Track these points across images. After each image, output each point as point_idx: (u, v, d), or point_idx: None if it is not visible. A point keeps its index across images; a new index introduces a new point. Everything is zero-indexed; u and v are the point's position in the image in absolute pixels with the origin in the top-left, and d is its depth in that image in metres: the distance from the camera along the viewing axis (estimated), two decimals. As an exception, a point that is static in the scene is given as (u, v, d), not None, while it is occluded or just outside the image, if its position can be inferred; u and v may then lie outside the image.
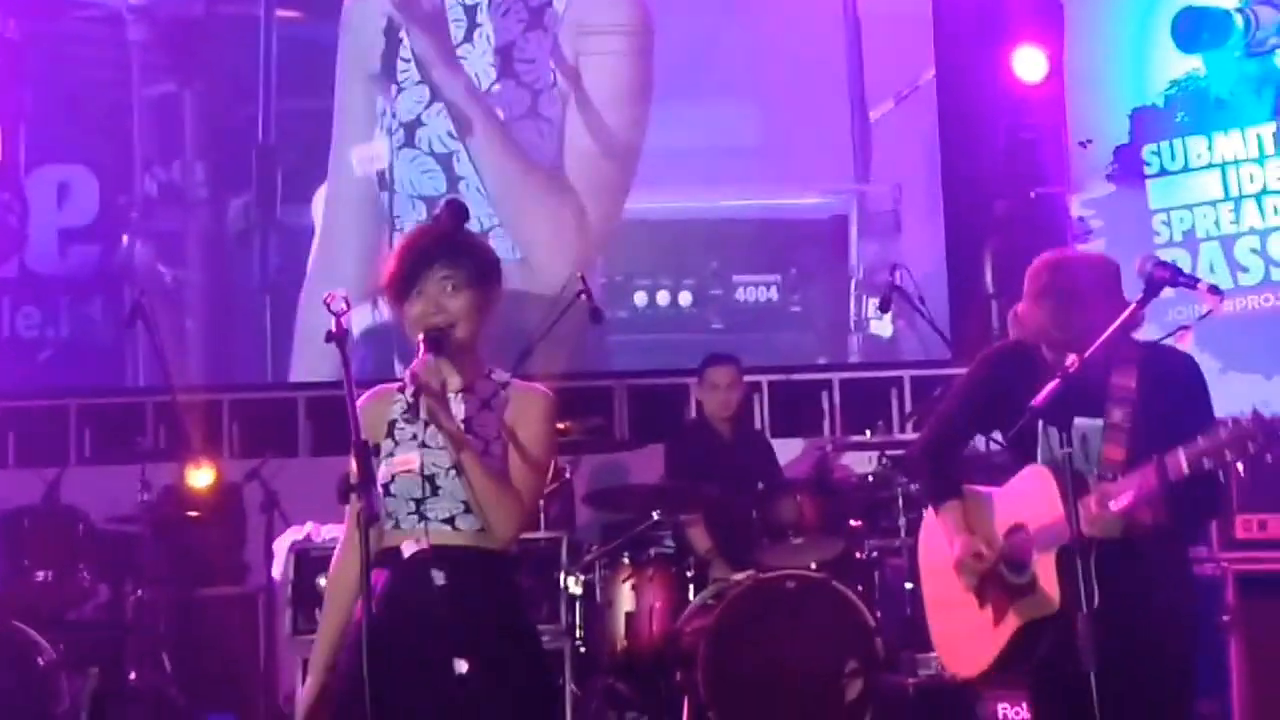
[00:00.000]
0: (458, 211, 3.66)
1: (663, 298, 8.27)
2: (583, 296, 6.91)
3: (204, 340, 8.18)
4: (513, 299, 7.63)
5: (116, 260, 8.23)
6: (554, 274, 7.62)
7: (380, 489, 3.50)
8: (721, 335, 8.07)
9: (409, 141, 8.12)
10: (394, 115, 8.14)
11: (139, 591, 6.78)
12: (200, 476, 7.13)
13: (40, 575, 6.71)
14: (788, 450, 7.59)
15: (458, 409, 3.54)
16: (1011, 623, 4.01)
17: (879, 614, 6.14)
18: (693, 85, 8.24)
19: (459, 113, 8.11)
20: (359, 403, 3.53)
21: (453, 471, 3.48)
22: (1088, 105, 7.95)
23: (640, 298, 8.26)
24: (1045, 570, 3.90)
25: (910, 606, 6.25)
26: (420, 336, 3.51)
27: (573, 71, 8.14)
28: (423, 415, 3.41)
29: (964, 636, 4.17)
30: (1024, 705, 5.40)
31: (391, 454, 3.56)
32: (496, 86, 8.16)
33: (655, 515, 6.46)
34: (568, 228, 8.12)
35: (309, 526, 6.75)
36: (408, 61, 8.16)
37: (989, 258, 7.94)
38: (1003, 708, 5.86)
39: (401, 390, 3.59)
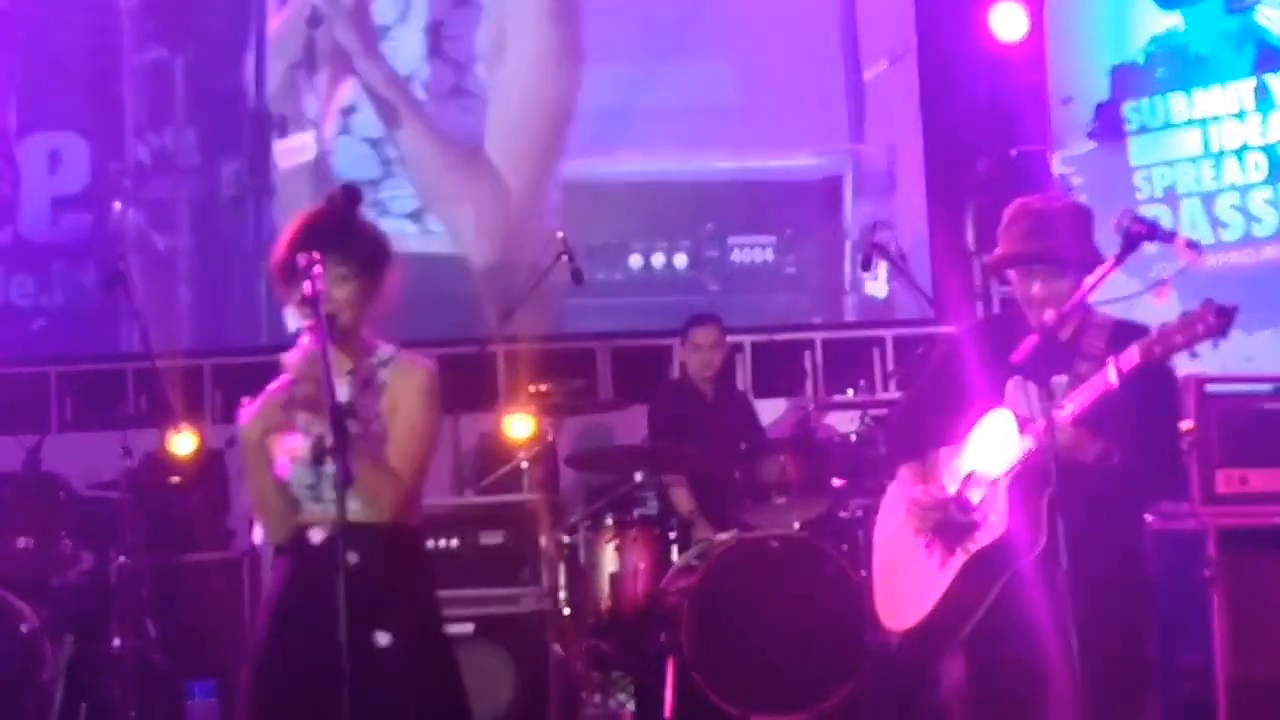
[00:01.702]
0: (351, 196, 3.66)
1: (658, 260, 8.25)
2: (564, 258, 6.89)
3: (198, 306, 8.16)
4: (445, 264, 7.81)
5: (109, 227, 8.19)
6: (481, 251, 7.78)
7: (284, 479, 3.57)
8: (719, 297, 8.08)
9: (345, 129, 8.11)
10: (329, 101, 8.11)
11: (122, 558, 6.76)
12: (182, 442, 7.11)
13: (22, 542, 6.70)
14: (770, 410, 7.60)
15: (343, 392, 3.56)
16: (957, 562, 3.97)
17: (863, 573, 6.06)
18: (680, 46, 8.21)
19: (381, 101, 8.10)
20: (271, 387, 3.57)
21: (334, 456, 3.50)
22: (1068, 63, 7.94)
23: (635, 260, 8.25)
24: (995, 499, 3.89)
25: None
26: (304, 324, 3.51)
27: (496, 42, 8.10)
28: (305, 399, 3.44)
29: (906, 592, 4.14)
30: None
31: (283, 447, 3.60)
32: (425, 67, 8.15)
33: (638, 476, 6.47)
34: (488, 209, 8.12)
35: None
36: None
37: (970, 216, 7.94)
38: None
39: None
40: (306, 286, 3.55)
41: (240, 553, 7.15)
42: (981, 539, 3.91)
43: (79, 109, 8.22)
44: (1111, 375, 3.70)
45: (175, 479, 7.12)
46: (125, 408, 7.62)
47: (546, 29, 8.19)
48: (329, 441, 3.47)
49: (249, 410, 3.56)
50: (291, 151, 8.15)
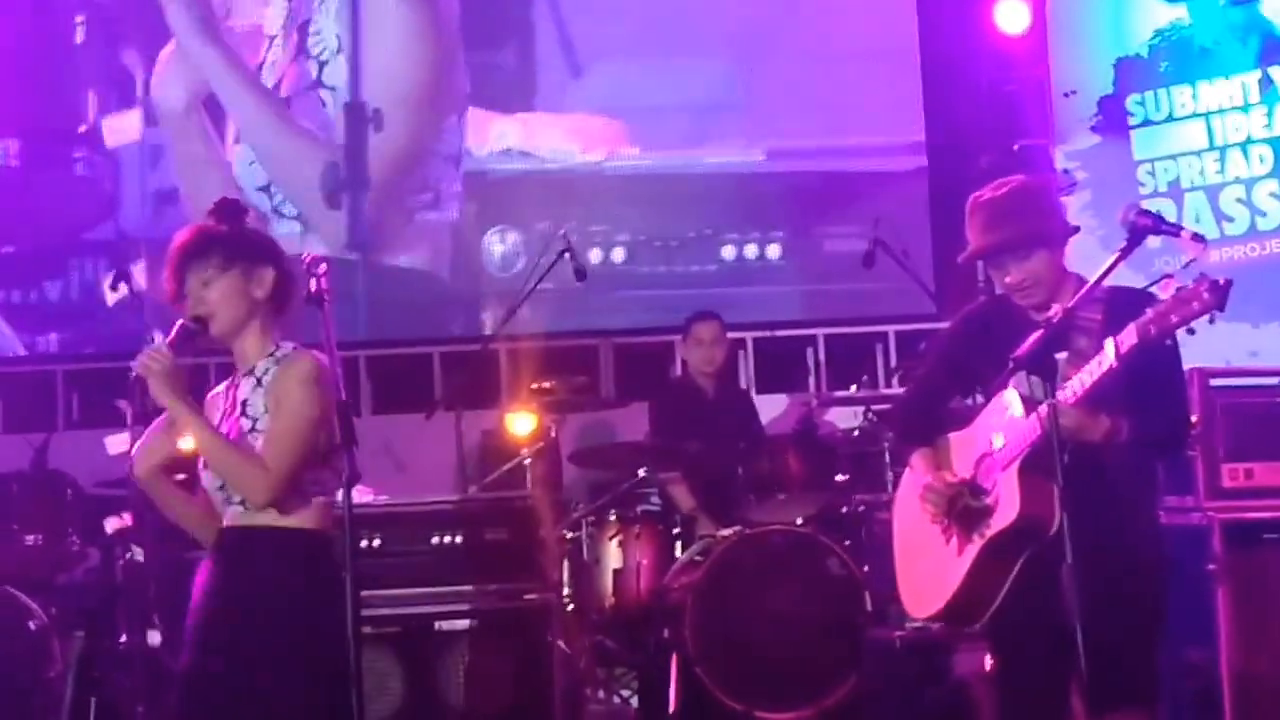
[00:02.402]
0: (233, 210, 3.72)
1: (751, 251, 8.21)
2: (566, 255, 6.92)
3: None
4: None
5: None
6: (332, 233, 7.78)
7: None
8: (809, 288, 8.10)
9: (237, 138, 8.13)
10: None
11: (128, 554, 6.77)
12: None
13: (30, 540, 6.71)
14: (773, 406, 7.60)
15: (241, 392, 3.66)
16: (974, 548, 3.96)
17: (866, 568, 6.13)
18: (673, 42, 8.21)
19: (222, 86, 8.09)
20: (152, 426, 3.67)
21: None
22: (1071, 56, 7.91)
23: (729, 251, 8.21)
24: (1007, 483, 3.88)
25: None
26: (191, 327, 3.62)
27: (351, 33, 8.11)
28: (157, 399, 3.55)
29: (927, 578, 4.14)
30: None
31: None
32: (293, 66, 8.15)
33: (640, 473, 6.47)
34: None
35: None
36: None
37: (972, 211, 7.90)
38: (990, 660, 5.86)
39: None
40: (312, 284, 3.64)
41: (246, 549, 7.14)
42: (996, 524, 3.90)
43: None
44: (1110, 353, 3.69)
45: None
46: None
47: (407, 13, 8.15)
48: (335, 439, 3.53)
49: (134, 455, 3.68)
50: (117, 133, 8.15)
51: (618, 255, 8.18)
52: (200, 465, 3.67)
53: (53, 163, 8.16)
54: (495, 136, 8.17)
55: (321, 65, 8.16)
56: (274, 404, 3.59)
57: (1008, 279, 3.98)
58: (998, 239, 3.98)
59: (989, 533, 3.92)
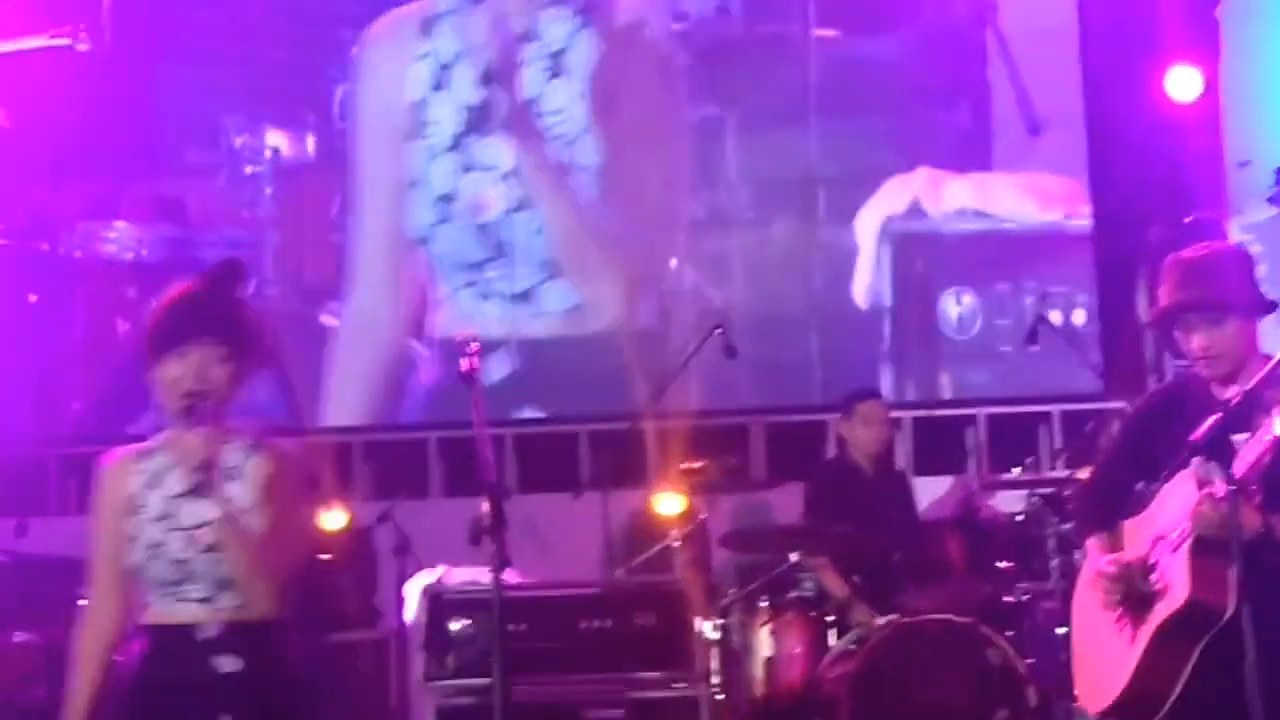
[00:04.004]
0: (237, 272, 3.59)
1: (1055, 318, 7.90)
2: (718, 331, 6.84)
3: (750, 362, 8.00)
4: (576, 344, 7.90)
5: (666, 284, 8.27)
6: (610, 318, 7.86)
7: (133, 570, 3.47)
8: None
9: (446, 216, 8.12)
10: (426, 184, 8.15)
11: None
12: (332, 519, 7.10)
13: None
14: (933, 488, 7.40)
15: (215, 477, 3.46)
16: (1146, 634, 3.81)
17: (1030, 661, 5.96)
18: (837, 105, 8.17)
19: (533, 173, 8.08)
20: (100, 469, 3.52)
21: (206, 555, 3.41)
22: (1246, 125, 7.73)
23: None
24: (1176, 565, 3.74)
25: (1063, 652, 5.99)
26: (182, 403, 3.42)
27: (602, 113, 8.09)
28: (206, 492, 3.36)
29: (1102, 667, 3.99)
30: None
31: (139, 534, 3.47)
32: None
33: (793, 557, 6.31)
34: (619, 275, 8.14)
35: (441, 569, 6.70)
36: (436, 125, 8.16)
37: (1143, 286, 7.69)
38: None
39: (142, 456, 3.53)
40: (463, 363, 3.60)
41: (389, 632, 7.12)
42: (1165, 608, 3.76)
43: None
44: (1277, 427, 3.53)
45: (325, 556, 7.11)
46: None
47: (653, 96, 8.20)
48: (485, 522, 3.44)
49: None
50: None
51: (1078, 317, 7.98)
52: (150, 553, 3.45)
53: None
54: (949, 196, 8.10)
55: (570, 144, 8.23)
56: (269, 498, 3.46)
57: (1194, 343, 3.85)
58: (1193, 297, 3.86)
59: (1158, 617, 3.79)
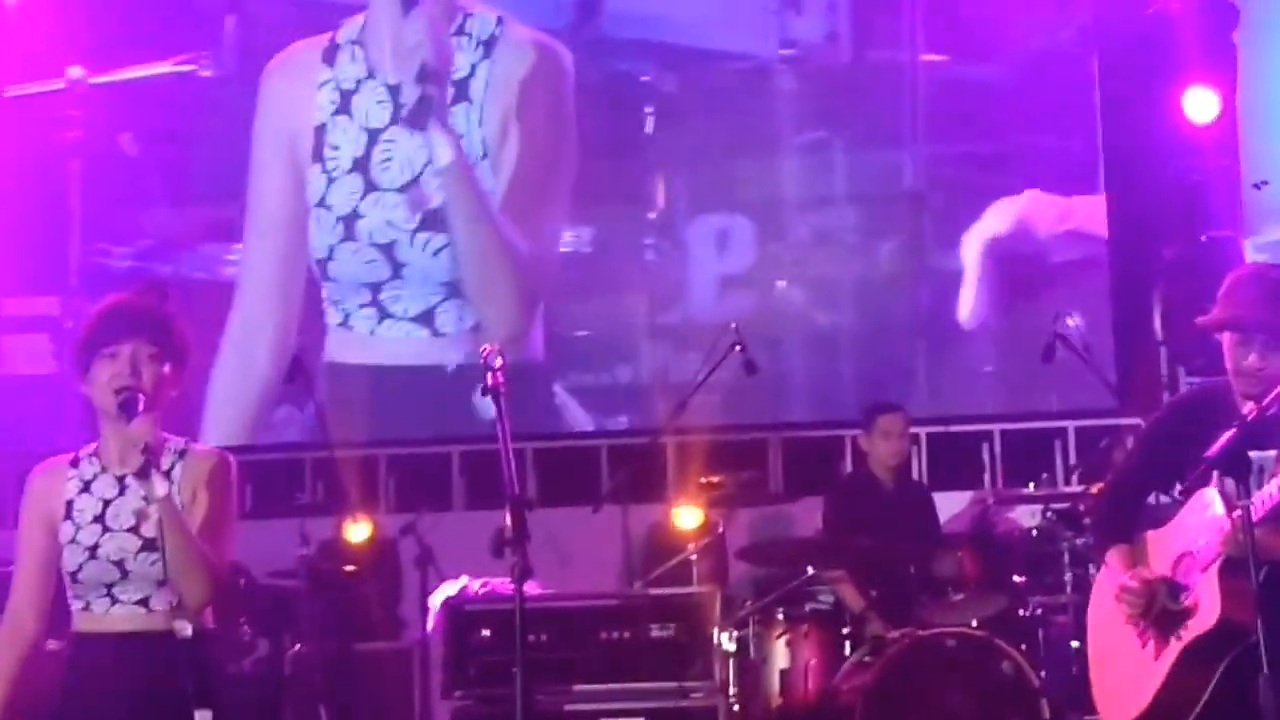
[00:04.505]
0: (163, 291, 3.66)
1: None
2: (737, 348, 6.89)
3: (855, 379, 8.16)
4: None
5: (771, 305, 8.28)
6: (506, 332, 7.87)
7: (68, 575, 3.50)
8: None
9: (349, 235, 8.17)
10: (327, 206, 8.21)
11: (297, 645, 6.83)
12: (358, 531, 7.18)
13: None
14: (947, 504, 7.43)
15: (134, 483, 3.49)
16: (1172, 652, 3.82)
17: (1044, 674, 5.97)
18: (944, 129, 8.26)
19: (451, 185, 8.11)
20: (31, 478, 3.56)
21: (141, 554, 3.44)
22: (1262, 145, 7.72)
23: None
24: (1207, 585, 3.75)
25: (1077, 666, 6.05)
26: (118, 397, 3.46)
27: (498, 137, 8.16)
28: (147, 474, 3.37)
29: (1123, 682, 3.99)
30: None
31: (74, 538, 3.51)
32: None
33: (810, 570, 6.35)
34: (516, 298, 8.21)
35: (463, 580, 6.77)
36: (336, 149, 8.24)
37: (1158, 304, 7.71)
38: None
39: (74, 464, 3.58)
40: (489, 378, 3.69)
41: (412, 643, 7.19)
42: (1195, 627, 3.78)
43: (743, 190, 8.36)
44: None
45: (350, 567, 7.19)
46: (303, 496, 7.72)
47: (548, 125, 8.27)
48: (507, 534, 3.50)
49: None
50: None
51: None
52: (86, 556, 3.48)
53: (624, 249, 8.37)
54: (1055, 219, 8.07)
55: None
56: (197, 499, 3.52)
57: (1249, 361, 3.83)
58: (1270, 318, 3.82)
59: (1188, 636, 3.80)
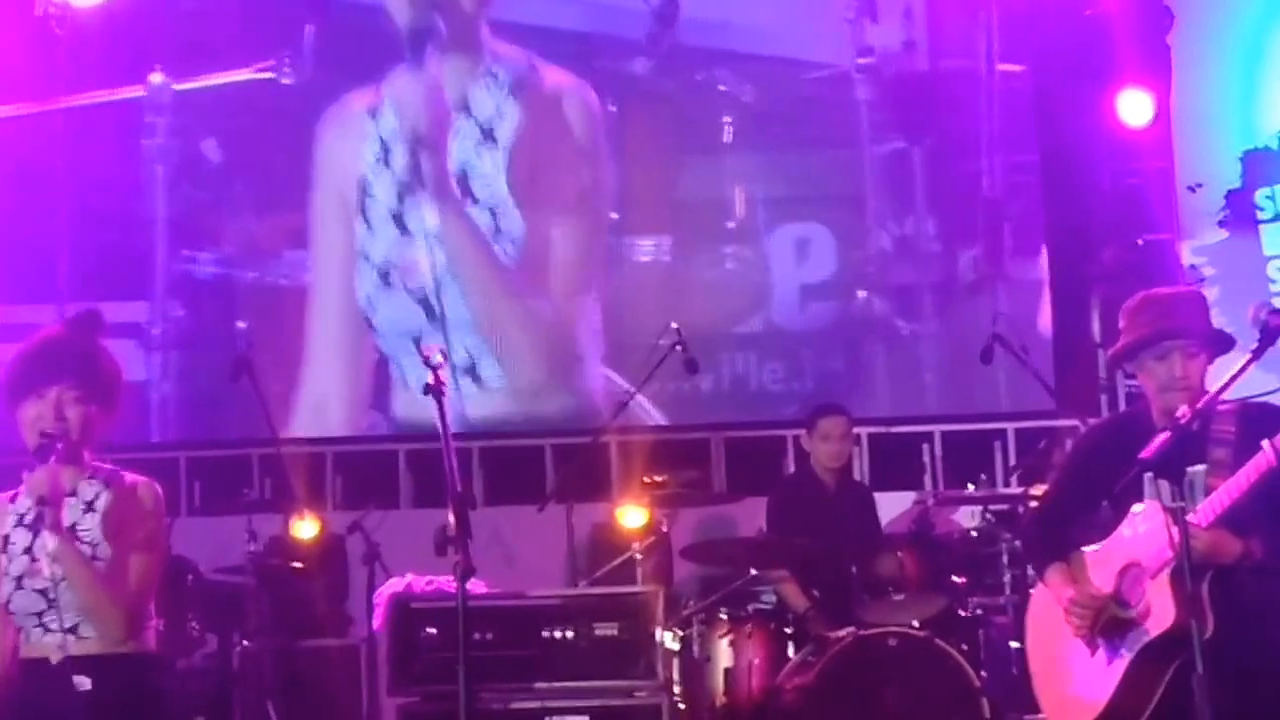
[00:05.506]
0: (95, 321, 3.73)
1: None
2: (678, 348, 6.92)
3: (942, 376, 8.19)
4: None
5: (853, 314, 8.33)
6: (531, 381, 8.06)
7: (1, 606, 3.58)
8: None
9: (385, 283, 8.27)
10: (367, 257, 8.32)
11: (245, 641, 6.83)
12: (305, 528, 7.18)
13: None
14: (888, 505, 7.50)
15: (68, 515, 3.57)
16: (1125, 657, 3.94)
17: (984, 674, 6.03)
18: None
19: (454, 246, 8.23)
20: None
21: (64, 583, 3.51)
22: (1197, 148, 7.81)
23: None
24: (1159, 592, 3.86)
25: (1016, 666, 6.11)
26: (38, 441, 3.54)
27: (524, 184, 8.25)
28: (41, 524, 3.45)
29: (1075, 692, 4.09)
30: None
31: (6, 570, 3.59)
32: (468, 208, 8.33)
33: (753, 570, 6.40)
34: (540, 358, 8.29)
35: (409, 577, 6.79)
36: (374, 199, 8.33)
37: (1096, 307, 7.81)
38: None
39: (13, 500, 3.66)
40: (429, 377, 3.68)
41: (359, 639, 7.19)
42: (1150, 631, 3.88)
43: (824, 200, 8.42)
44: (1270, 454, 3.69)
45: (297, 564, 7.19)
46: (251, 493, 7.72)
47: (574, 170, 8.33)
48: (450, 532, 3.53)
49: None
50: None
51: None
52: (14, 587, 3.57)
53: (703, 258, 8.39)
54: None
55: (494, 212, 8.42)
56: (119, 530, 3.58)
57: (1175, 371, 3.98)
58: (1177, 325, 3.99)
59: (1142, 640, 3.90)
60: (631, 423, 7.44)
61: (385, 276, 8.30)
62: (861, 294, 8.32)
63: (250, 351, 7.35)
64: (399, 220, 8.30)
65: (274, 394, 7.76)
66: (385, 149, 8.33)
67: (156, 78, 8.42)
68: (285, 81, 8.43)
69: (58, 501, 3.53)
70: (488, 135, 8.26)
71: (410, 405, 8.08)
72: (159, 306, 8.41)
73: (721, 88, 8.43)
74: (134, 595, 3.58)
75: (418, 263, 8.27)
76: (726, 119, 8.42)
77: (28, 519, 3.60)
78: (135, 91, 8.43)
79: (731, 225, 8.42)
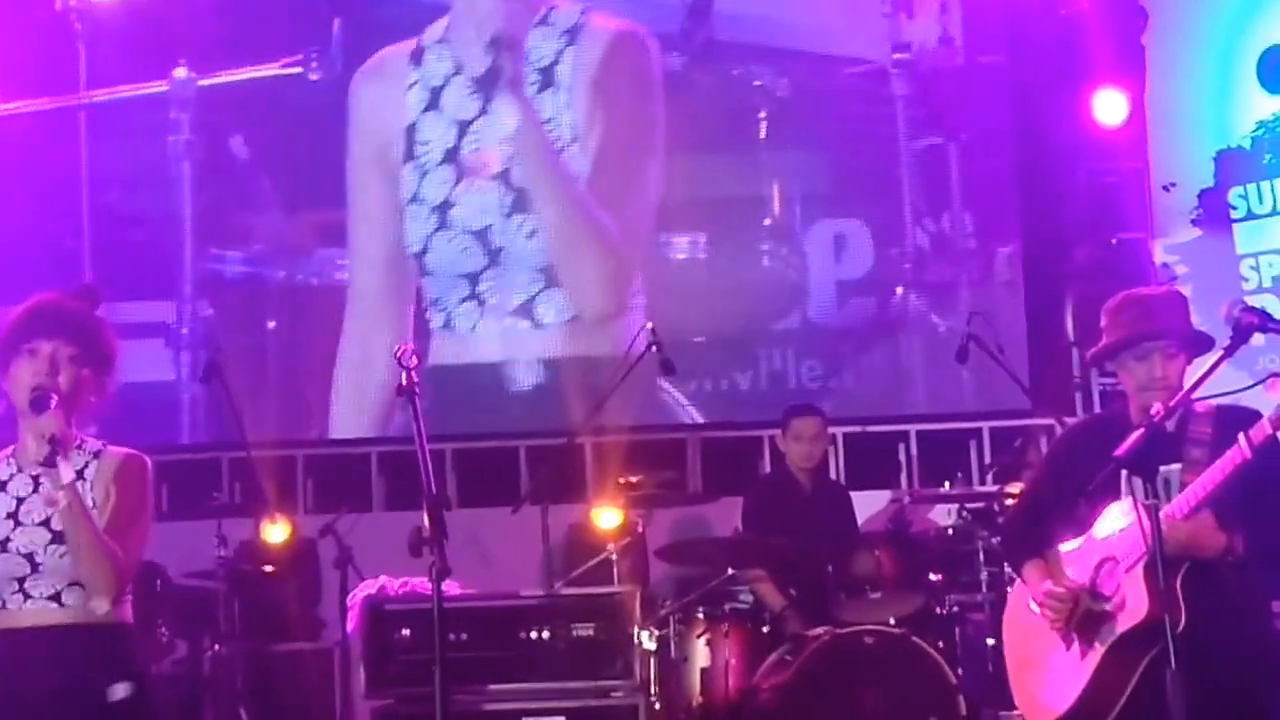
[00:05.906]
0: (91, 295, 3.69)
1: None
2: (654, 348, 6.90)
3: (975, 380, 8.01)
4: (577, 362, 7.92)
5: (890, 311, 8.27)
6: (603, 329, 7.88)
7: None
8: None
9: (443, 224, 8.18)
10: (421, 200, 8.21)
11: (216, 646, 6.78)
12: (276, 532, 7.13)
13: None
14: (864, 504, 7.50)
15: (66, 474, 3.49)
16: (1099, 649, 3.97)
17: (960, 671, 6.04)
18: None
19: (527, 147, 8.14)
20: None
21: (52, 547, 3.48)
22: (1170, 148, 7.85)
23: None
24: (1133, 584, 3.89)
25: (992, 663, 6.13)
26: (32, 395, 3.48)
27: (588, 126, 8.19)
28: (54, 461, 3.39)
29: (1048, 684, 4.12)
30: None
31: None
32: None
33: (729, 570, 6.39)
34: (614, 278, 8.20)
35: (382, 580, 6.75)
36: (426, 144, 8.25)
37: (1070, 306, 7.82)
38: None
39: None
40: (403, 377, 3.69)
41: (332, 643, 7.16)
42: (1123, 623, 3.91)
43: (860, 196, 8.36)
44: (1244, 445, 3.73)
45: (269, 568, 7.15)
46: (220, 497, 7.66)
47: (636, 112, 8.27)
48: (425, 533, 3.51)
49: None
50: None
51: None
52: None
53: (740, 255, 8.34)
54: None
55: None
56: (110, 497, 3.55)
57: (1155, 372, 4.01)
58: (1157, 326, 4.02)
59: (1115, 632, 3.94)
60: (606, 423, 7.40)
61: (443, 215, 8.20)
62: (899, 290, 8.30)
63: (220, 355, 7.30)
64: (455, 160, 8.20)
65: (305, 398, 7.81)
66: (433, 93, 8.24)
67: (180, 72, 8.32)
68: (313, 77, 8.35)
69: (67, 442, 3.46)
70: (548, 78, 8.20)
71: (445, 350, 8.05)
72: (187, 306, 8.32)
73: (757, 83, 8.40)
74: (130, 563, 3.52)
75: (488, 165, 8.16)
76: (762, 115, 8.40)
77: (10, 485, 3.55)
78: (159, 87, 8.32)
79: (768, 222, 8.40)
